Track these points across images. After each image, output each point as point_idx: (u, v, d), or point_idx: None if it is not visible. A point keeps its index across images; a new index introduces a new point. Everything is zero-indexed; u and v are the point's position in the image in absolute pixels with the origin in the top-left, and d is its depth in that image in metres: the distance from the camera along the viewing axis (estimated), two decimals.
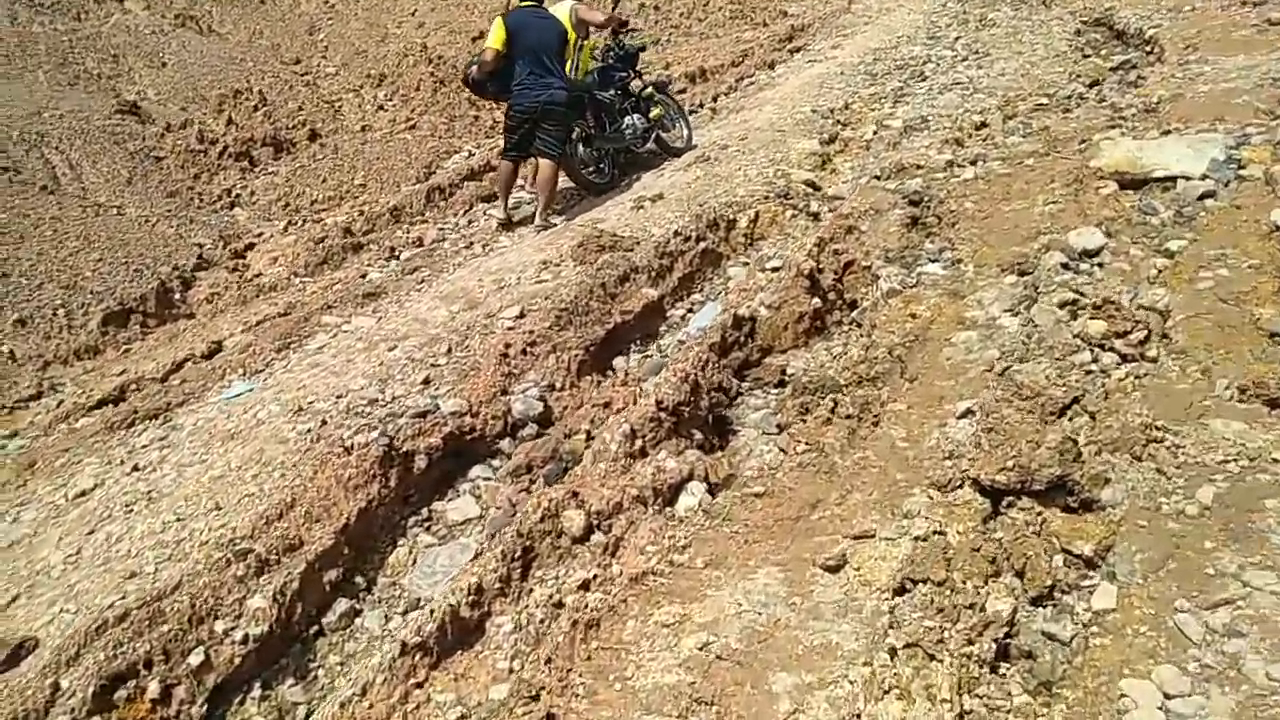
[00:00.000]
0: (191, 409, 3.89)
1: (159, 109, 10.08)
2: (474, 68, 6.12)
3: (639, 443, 2.92)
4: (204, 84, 11.05)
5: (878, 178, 6.25)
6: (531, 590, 2.49)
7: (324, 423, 3.43)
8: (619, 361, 3.96)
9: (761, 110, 9.20)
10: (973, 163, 6.31)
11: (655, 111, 7.22)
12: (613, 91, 6.92)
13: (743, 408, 3.66)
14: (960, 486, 2.48)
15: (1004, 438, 2.49)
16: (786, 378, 3.84)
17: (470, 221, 6.67)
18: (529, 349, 3.84)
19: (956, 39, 11.94)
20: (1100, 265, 3.97)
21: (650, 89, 7.43)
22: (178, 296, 5.49)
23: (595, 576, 2.46)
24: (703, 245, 5.19)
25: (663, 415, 2.98)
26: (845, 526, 2.49)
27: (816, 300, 4.16)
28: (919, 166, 6.29)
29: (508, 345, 3.80)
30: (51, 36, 11.45)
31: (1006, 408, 2.62)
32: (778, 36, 15.12)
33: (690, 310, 4.79)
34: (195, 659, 2.34)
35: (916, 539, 2.29)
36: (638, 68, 7.54)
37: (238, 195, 7.70)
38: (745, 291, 4.41)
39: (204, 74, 11.40)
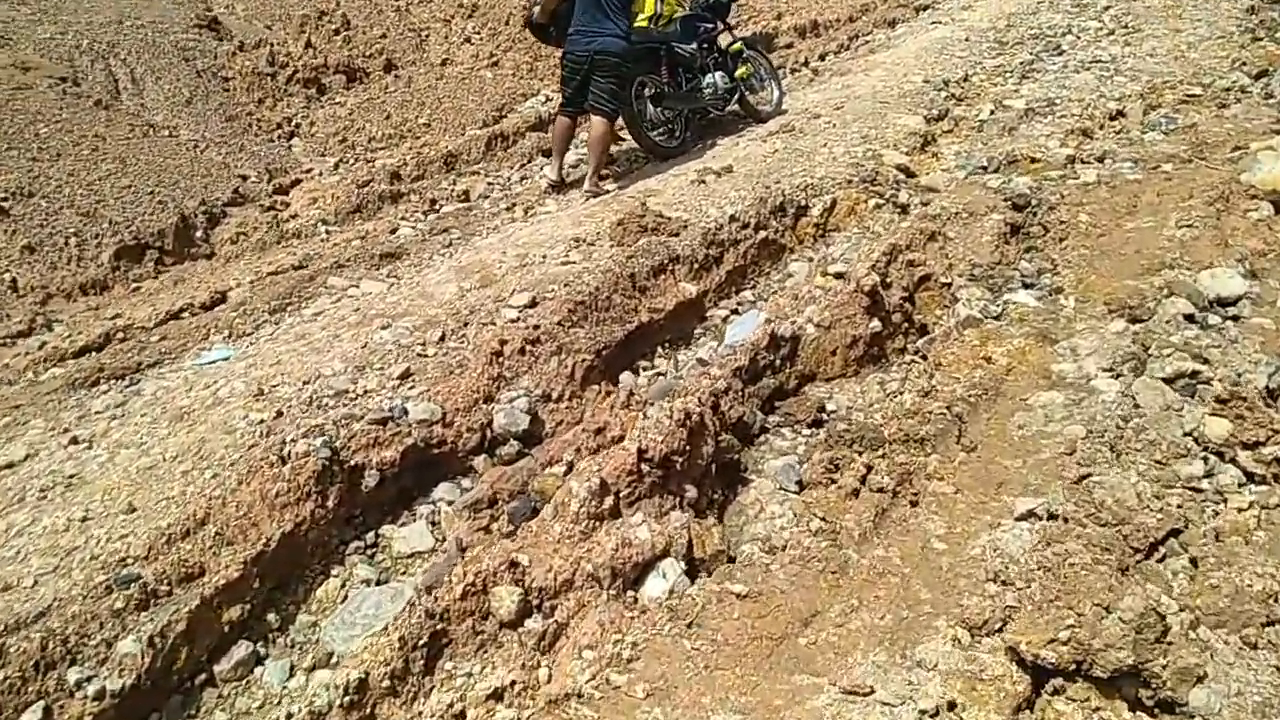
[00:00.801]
0: (161, 372, 3.54)
1: (243, 25, 9.81)
2: (536, 7, 5.53)
3: (610, 500, 2.38)
4: (293, 1, 10.73)
5: (982, 168, 5.44)
6: (430, 692, 2.01)
7: (279, 414, 3.00)
8: (626, 377, 3.39)
9: (868, 75, 8.31)
10: (1100, 160, 5.44)
11: (741, 70, 6.48)
12: (695, 45, 6.21)
13: (764, 449, 3.07)
14: (998, 630, 1.87)
15: (1063, 586, 1.85)
16: (825, 416, 3.21)
17: (523, 178, 6.13)
18: (529, 347, 3.32)
19: (1105, 8, 10.65)
20: (1236, 320, 3.18)
21: (739, 44, 6.68)
22: (199, 234, 5.16)
23: (515, 683, 1.97)
24: (763, 234, 4.54)
25: (645, 467, 2.43)
26: (838, 666, 1.91)
27: (876, 323, 3.49)
28: (1033, 160, 5.46)
29: (503, 342, 3.29)
30: None
31: (1074, 538, 1.97)
32: None
33: (736, 310, 4.18)
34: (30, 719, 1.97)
35: (923, 714, 1.70)
36: (729, 19, 6.78)
37: (297, 125, 7.35)
38: (796, 300, 3.77)
39: None
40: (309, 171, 6.60)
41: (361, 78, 8.61)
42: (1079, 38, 9.24)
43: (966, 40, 9.42)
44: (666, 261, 4.02)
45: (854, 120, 6.48)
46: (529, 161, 6.60)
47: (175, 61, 7.66)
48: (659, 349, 3.83)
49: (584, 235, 4.34)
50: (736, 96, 6.57)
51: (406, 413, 2.97)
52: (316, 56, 8.68)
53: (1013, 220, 4.44)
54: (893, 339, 3.63)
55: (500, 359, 3.25)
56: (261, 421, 2.97)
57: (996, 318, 3.55)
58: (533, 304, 3.64)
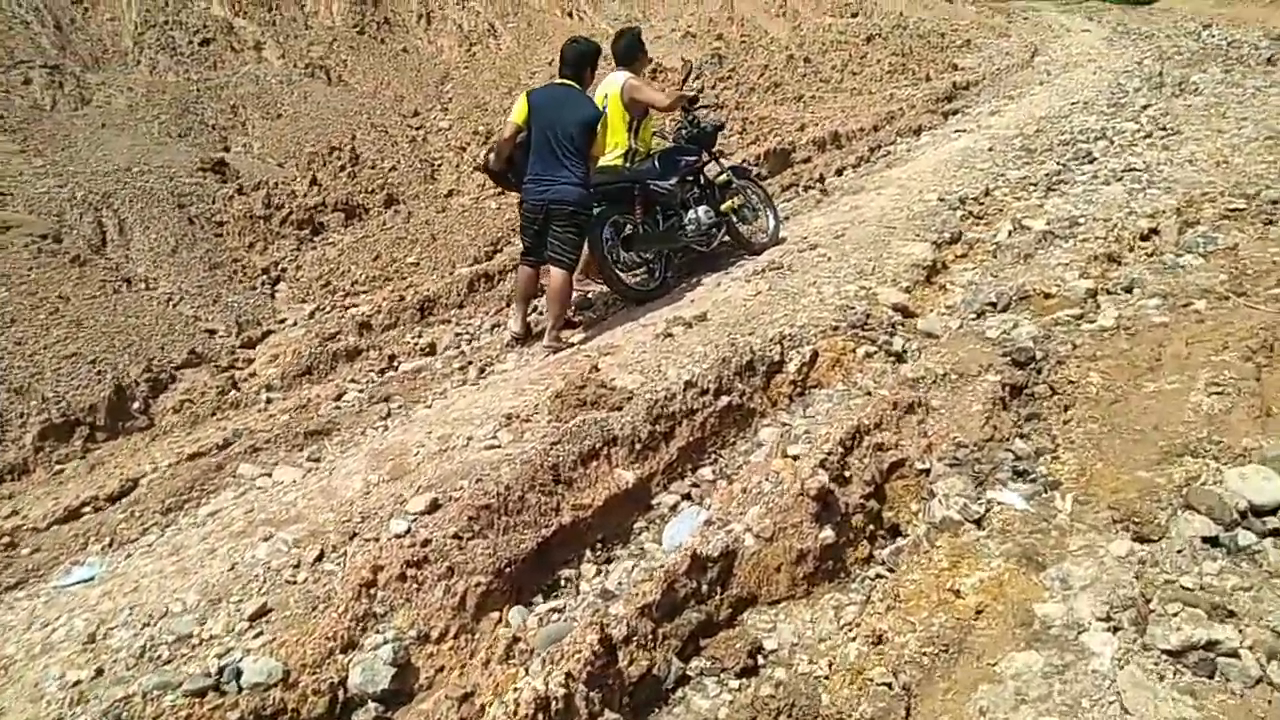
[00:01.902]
0: (16, 597, 3.13)
1: (254, 164, 9.91)
2: (491, 154, 5.25)
3: None
4: (309, 138, 10.88)
5: (991, 305, 4.87)
6: None
7: (98, 673, 2.54)
8: (515, 615, 2.84)
9: (880, 193, 7.88)
10: (1127, 290, 4.83)
11: (728, 203, 6.08)
12: (674, 180, 5.85)
13: (680, 712, 2.47)
14: None
15: None
16: (762, 659, 2.61)
17: (495, 325, 5.76)
18: (412, 571, 2.82)
19: (1144, 108, 10.13)
20: (1278, 537, 2.51)
21: (726, 174, 6.31)
22: (138, 405, 4.87)
23: None
24: (726, 400, 4.01)
25: None
26: None
27: (829, 532, 2.90)
28: (1047, 296, 4.87)
29: (378, 568, 2.80)
30: (181, 86, 11.67)
31: None
32: (935, 95, 13.66)
33: (688, 495, 3.63)
34: None
35: None
36: (714, 148, 6.43)
37: (283, 270, 7.18)
38: (742, 496, 3.21)
39: (313, 127, 11.26)
40: (283, 322, 6.35)
41: (361, 214, 8.51)
42: (1113, 142, 8.70)
43: (990, 150, 8.96)
44: (601, 445, 3.52)
45: (853, 251, 6.00)
46: (506, 306, 6.25)
47: (168, 209, 7.63)
48: (588, 553, 3.28)
49: (520, 409, 3.87)
50: (724, 230, 6.16)
51: (240, 674, 2.47)
52: (320, 194, 8.63)
53: (1012, 380, 3.84)
54: (854, 546, 3.03)
55: (372, 590, 2.75)
56: (76, 684, 2.50)
57: (977, 522, 2.93)
58: (433, 507, 3.16)
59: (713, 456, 3.91)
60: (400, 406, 4.46)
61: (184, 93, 11.50)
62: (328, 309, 6.36)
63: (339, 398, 4.75)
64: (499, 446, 3.56)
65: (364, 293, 6.79)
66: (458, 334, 5.58)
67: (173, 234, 7.26)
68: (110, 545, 3.43)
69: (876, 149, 10.50)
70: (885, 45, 17.67)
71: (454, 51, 16.92)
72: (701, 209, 5.94)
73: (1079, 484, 3.01)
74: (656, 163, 5.85)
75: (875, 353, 4.64)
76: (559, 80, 5.16)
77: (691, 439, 3.84)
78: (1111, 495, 2.87)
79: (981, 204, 7.28)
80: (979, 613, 2.43)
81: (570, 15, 19.13)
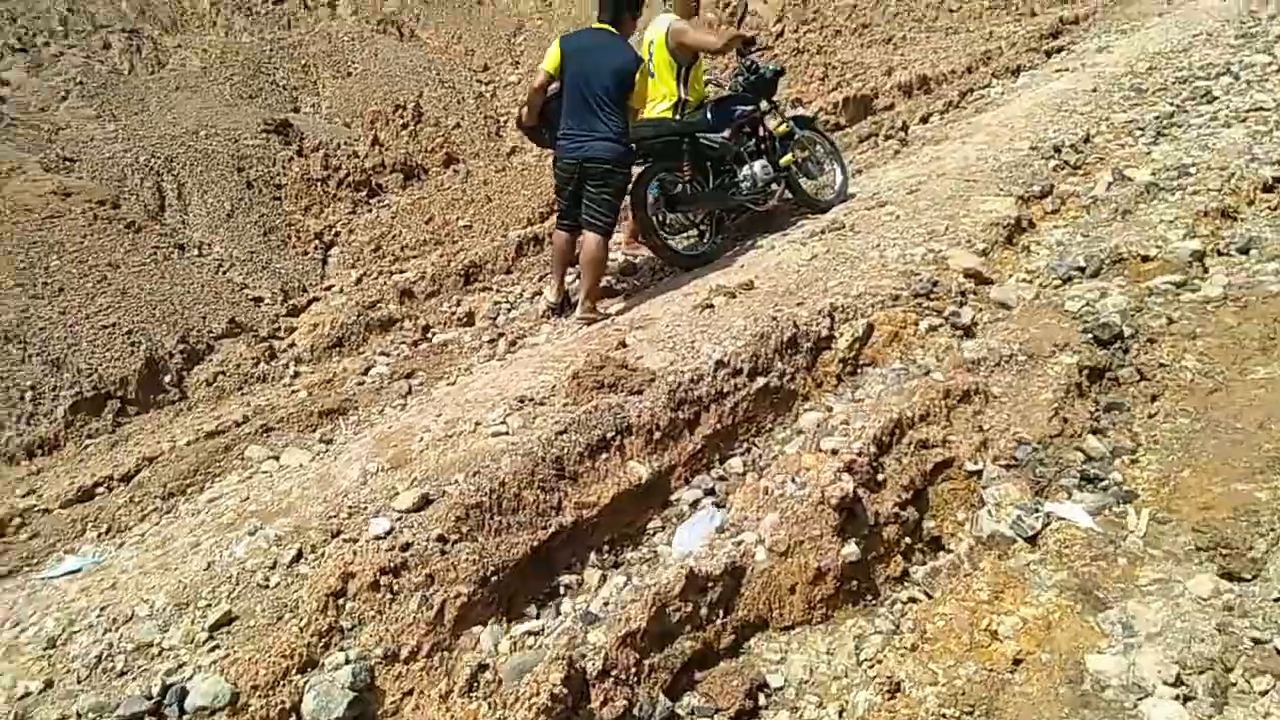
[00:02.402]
0: (5, 586, 3.05)
1: (320, 125, 9.83)
2: (524, 109, 4.90)
3: None
4: (376, 96, 10.74)
5: (1079, 270, 4.30)
6: None
7: (48, 685, 2.39)
8: (486, 638, 2.55)
9: (966, 142, 7.20)
10: (1243, 250, 4.20)
11: (786, 158, 5.58)
12: (727, 133, 5.38)
13: None
14: None
15: None
16: (764, 699, 2.27)
17: (536, 294, 5.46)
18: (387, 579, 2.58)
19: (1277, 39, 8.96)
20: None
21: (788, 125, 5.79)
22: (170, 378, 4.80)
23: None
24: (763, 381, 3.62)
25: None
26: None
27: (852, 548, 2.51)
28: (1145, 259, 4.28)
29: (348, 576, 2.56)
30: (254, 46, 11.69)
31: None
32: (1039, 32, 12.56)
33: (712, 490, 3.27)
34: None
35: None
36: (775, 96, 5.91)
37: (337, 234, 7.06)
38: (762, 498, 2.84)
39: (381, 84, 11.11)
40: (330, 288, 6.23)
41: (420, 175, 8.32)
42: (1238, 78, 7.71)
43: (1094, 91, 8.09)
44: (613, 434, 3.19)
45: (927, 208, 5.43)
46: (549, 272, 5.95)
47: (228, 173, 7.59)
48: (593, 556, 2.98)
49: (536, 391, 3.57)
50: (784, 187, 5.66)
51: (184, 696, 2.28)
52: (380, 154, 8.49)
53: (1092, 362, 3.31)
54: (886, 562, 2.63)
55: (341, 601, 2.53)
56: (23, 698, 2.36)
57: (1031, 540, 2.48)
58: (422, 504, 2.90)
59: (745, 445, 3.53)
60: (422, 384, 4.23)
61: (257, 53, 11.51)
62: (374, 275, 6.19)
63: (366, 371, 4.56)
64: (506, 433, 3.27)
65: (414, 257, 6.60)
66: (496, 303, 5.31)
67: (230, 198, 7.21)
68: (107, 533, 3.33)
69: (968, 93, 9.67)
70: None
71: (529, 3, 16.52)
72: (758, 164, 5.46)
73: (1159, 497, 2.52)
74: (709, 114, 5.39)
75: (940, 326, 4.14)
76: (596, 24, 4.75)
77: (720, 426, 3.47)
78: (1199, 513, 2.38)
79: (1080, 152, 6.55)
80: (1017, 663, 2.01)
81: None
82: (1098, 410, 3.10)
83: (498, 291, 5.58)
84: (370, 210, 7.46)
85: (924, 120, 8.88)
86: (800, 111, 7.47)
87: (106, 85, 9.64)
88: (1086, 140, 6.81)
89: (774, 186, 5.55)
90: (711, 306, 4.28)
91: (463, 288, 5.76)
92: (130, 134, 8.22)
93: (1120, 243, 4.52)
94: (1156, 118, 6.99)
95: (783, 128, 5.69)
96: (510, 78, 11.94)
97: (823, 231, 5.12)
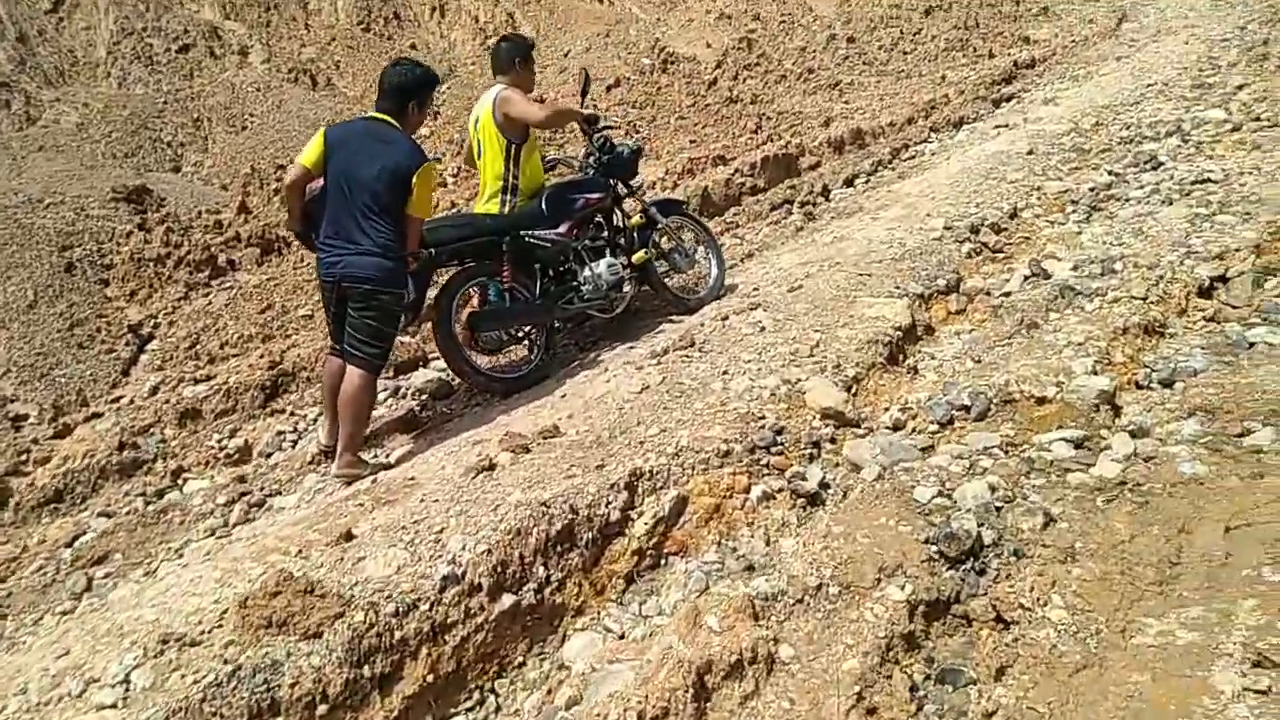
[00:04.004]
0: None
1: (191, 188, 8.96)
2: (287, 212, 4.04)
3: None
4: (268, 153, 9.89)
5: (947, 421, 3.42)
6: None
7: None
8: None
9: (878, 217, 6.36)
10: (1167, 384, 3.37)
11: (640, 254, 4.70)
12: (565, 227, 4.50)
13: None
14: None
15: None
16: None
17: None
18: None
19: (1237, 89, 8.21)
20: None
21: (650, 212, 4.92)
22: None
23: None
24: (512, 601, 2.70)
25: None
26: None
27: None
28: (1040, 401, 3.41)
29: None
30: (145, 99, 10.86)
31: None
32: (991, 78, 11.81)
33: None
34: None
35: None
36: (634, 178, 5.04)
37: (157, 325, 6.14)
38: None
39: (275, 139, 10.28)
40: (116, 401, 5.29)
41: (280, 249, 7.41)
42: (1187, 139, 6.91)
43: (1030, 153, 7.28)
44: (253, 715, 2.26)
45: (804, 313, 4.56)
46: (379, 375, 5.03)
47: (47, 253, 6.69)
48: None
49: (197, 621, 2.64)
50: (636, 288, 4.78)
51: None
52: (246, 224, 7.59)
53: (930, 595, 2.40)
54: None
55: None
56: None
57: None
58: None
59: (477, 697, 2.60)
60: (109, 575, 3.30)
61: (146, 106, 10.69)
62: (172, 383, 5.26)
63: (72, 541, 3.62)
64: (115, 706, 2.34)
65: (233, 356, 5.68)
66: (280, 432, 4.39)
67: (37, 284, 6.31)
68: None
69: (901, 150, 8.87)
70: (946, 18, 15.75)
71: (466, 46, 15.82)
72: (604, 263, 4.58)
73: None
74: (543, 204, 4.51)
75: (779, 493, 3.25)
76: (371, 114, 3.89)
77: (437, 675, 2.54)
78: None
79: (1001, 231, 5.72)
80: None
81: (599, 0, 17.77)
82: (924, 686, 2.18)
83: (292, 414, 4.66)
84: (207, 295, 6.54)
85: (848, 183, 8.06)
86: (667, 195, 6.62)
87: None
88: (1013, 215, 6.00)
89: (625, 288, 4.66)
90: (493, 468, 3.37)
91: (260, 405, 4.83)
92: None
93: (1014, 375, 3.63)
94: (1092, 189, 6.17)
95: (636, 218, 4.81)
96: (423, 131, 11.10)
97: (665, 351, 4.22)
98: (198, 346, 5.76)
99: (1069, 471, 2.89)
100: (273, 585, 2.57)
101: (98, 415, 5.05)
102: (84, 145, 9.41)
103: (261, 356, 5.51)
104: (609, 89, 12.02)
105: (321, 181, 3.72)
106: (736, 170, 8.32)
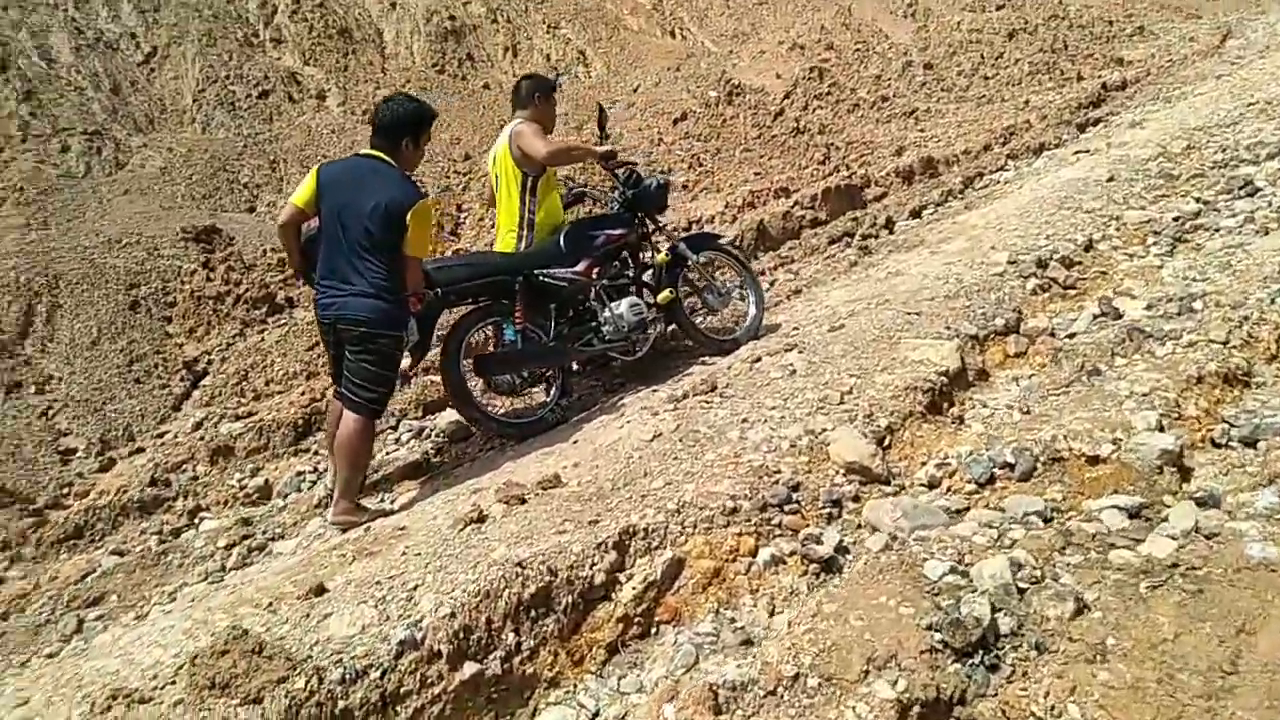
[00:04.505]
0: None
1: (263, 227, 9.20)
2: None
3: None
4: None
5: (988, 480, 3.08)
6: None
7: None
8: None
9: (938, 251, 6.00)
10: (1250, 443, 2.97)
11: (665, 294, 4.48)
12: (584, 264, 4.33)
13: None
14: None
15: None
16: None
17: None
18: None
19: None
20: None
21: (679, 248, 4.71)
22: None
23: None
24: (474, 670, 2.50)
25: None
26: None
27: None
28: (1093, 461, 3.04)
29: None
30: (226, 143, 11.29)
31: None
32: (1077, 101, 11.21)
33: None
34: None
35: None
36: (662, 212, 4.84)
37: (211, 361, 6.24)
38: None
39: None
40: (161, 436, 5.36)
41: None
42: None
43: (1110, 180, 6.76)
44: None
45: (841, 355, 4.25)
46: (407, 416, 4.96)
47: (114, 291, 6.91)
48: None
49: (151, 678, 2.52)
50: (659, 330, 4.56)
51: None
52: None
53: (925, 694, 2.08)
54: None
55: None
56: None
57: None
58: None
59: None
60: (101, 618, 3.23)
61: (226, 149, 11.10)
62: (214, 419, 5.30)
63: (84, 578, 3.60)
64: None
65: (278, 393, 5.70)
66: (300, 472, 4.32)
67: (102, 322, 6.50)
68: None
69: (975, 179, 8.43)
70: (1031, 40, 15.09)
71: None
72: (626, 302, 4.38)
73: None
74: (562, 240, 4.35)
75: (790, 557, 2.96)
76: (366, 151, 3.81)
77: None
78: None
79: (1074, 265, 5.27)
80: None
81: (672, 34, 17.78)
82: None
83: (315, 454, 4.60)
84: (262, 331, 6.63)
85: (915, 214, 7.68)
86: (705, 229, 6.38)
87: (48, 191, 9.22)
88: (1087, 248, 5.54)
89: (649, 330, 4.44)
90: (482, 521, 3.18)
91: (291, 443, 4.79)
92: (37, 246, 7.69)
93: (1066, 430, 3.25)
94: (1177, 218, 5.65)
95: (661, 256, 4.60)
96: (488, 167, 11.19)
97: (685, 396, 3.97)
98: (244, 383, 5.80)
99: (1112, 548, 2.51)
100: (221, 644, 2.43)
101: (140, 450, 5.11)
102: (165, 188, 9.78)
103: (303, 394, 5.51)
104: (675, 123, 11.92)
105: (318, 221, 3.65)
106: (796, 203, 8.04)
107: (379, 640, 2.48)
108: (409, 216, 3.49)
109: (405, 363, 3.76)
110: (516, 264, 4.11)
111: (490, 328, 4.17)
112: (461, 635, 2.52)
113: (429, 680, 2.44)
